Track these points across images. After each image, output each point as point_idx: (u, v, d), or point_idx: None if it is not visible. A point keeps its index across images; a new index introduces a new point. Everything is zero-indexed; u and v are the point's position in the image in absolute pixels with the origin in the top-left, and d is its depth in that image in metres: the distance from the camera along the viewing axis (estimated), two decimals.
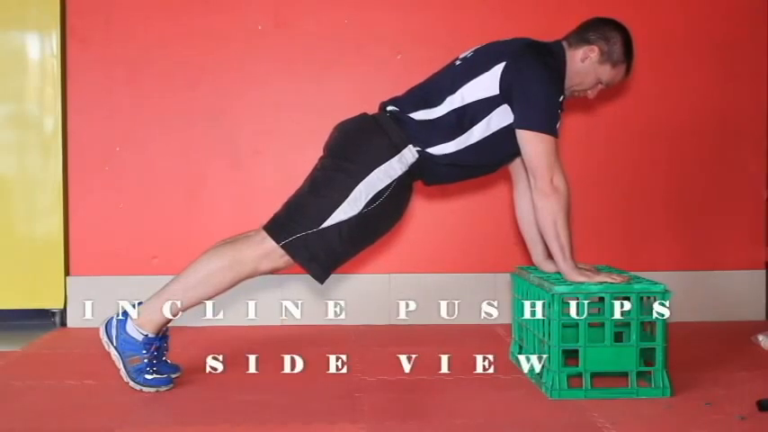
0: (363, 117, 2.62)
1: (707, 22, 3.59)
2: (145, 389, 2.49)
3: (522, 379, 2.66)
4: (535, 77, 2.49)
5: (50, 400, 2.47)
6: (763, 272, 3.63)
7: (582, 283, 2.47)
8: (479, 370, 2.76)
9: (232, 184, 3.54)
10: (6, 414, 2.34)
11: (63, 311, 3.51)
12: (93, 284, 3.48)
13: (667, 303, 2.46)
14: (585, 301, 2.44)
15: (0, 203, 3.47)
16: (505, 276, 3.33)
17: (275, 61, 3.54)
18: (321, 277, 2.54)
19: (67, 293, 3.48)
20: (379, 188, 2.48)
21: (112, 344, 2.50)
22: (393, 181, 2.50)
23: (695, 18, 3.59)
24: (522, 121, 2.49)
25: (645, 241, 3.61)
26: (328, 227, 2.47)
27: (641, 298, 2.47)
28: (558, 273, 2.58)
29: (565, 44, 2.63)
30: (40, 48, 3.47)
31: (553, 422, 2.25)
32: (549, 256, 2.64)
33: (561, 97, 2.56)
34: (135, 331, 2.49)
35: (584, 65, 2.60)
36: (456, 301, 3.52)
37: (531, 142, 2.48)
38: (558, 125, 2.52)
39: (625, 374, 2.46)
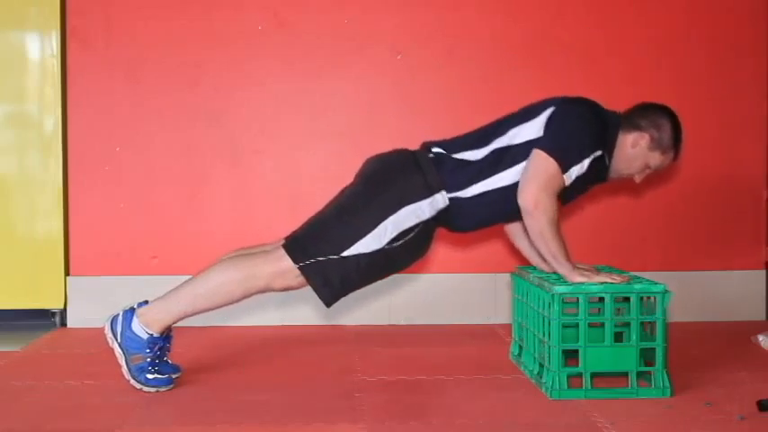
0: (403, 152, 2.62)
1: (707, 22, 3.59)
2: (145, 388, 2.49)
3: (522, 379, 2.66)
4: (577, 114, 2.52)
5: (50, 400, 2.47)
6: (763, 272, 3.63)
7: (582, 283, 2.47)
8: (479, 370, 2.76)
9: (232, 183, 3.54)
10: (6, 414, 2.34)
11: (63, 311, 3.51)
12: (93, 284, 3.48)
13: (667, 303, 2.46)
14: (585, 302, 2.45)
15: (0, 203, 3.47)
16: (505, 276, 3.33)
17: (275, 61, 3.54)
18: (330, 302, 2.53)
19: (67, 293, 3.49)
20: (405, 227, 2.48)
21: (117, 340, 2.50)
22: (420, 223, 2.49)
23: (695, 18, 3.59)
24: (542, 142, 2.48)
25: (645, 241, 3.61)
26: (348, 256, 2.45)
27: (641, 298, 2.47)
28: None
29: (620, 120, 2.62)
30: (40, 48, 3.47)
31: (553, 422, 2.25)
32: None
33: (598, 152, 2.53)
34: (140, 329, 2.48)
35: (634, 151, 2.59)
36: (456, 301, 3.52)
37: (536, 158, 2.47)
38: (575, 166, 2.48)
39: (625, 374, 2.47)
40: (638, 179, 2.67)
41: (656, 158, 2.61)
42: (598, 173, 2.58)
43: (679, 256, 3.61)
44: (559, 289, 2.45)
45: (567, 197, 2.58)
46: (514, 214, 2.57)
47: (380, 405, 2.41)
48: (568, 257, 2.51)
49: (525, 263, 3.01)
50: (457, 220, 2.57)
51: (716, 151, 3.61)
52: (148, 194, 3.52)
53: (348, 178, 3.53)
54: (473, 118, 3.55)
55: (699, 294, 3.58)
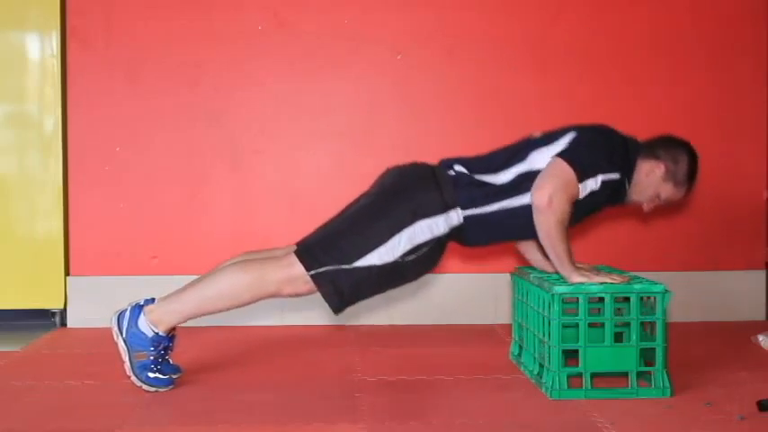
0: (423, 166, 2.62)
1: (707, 22, 3.59)
2: (144, 386, 2.49)
3: (522, 379, 2.66)
4: (597, 134, 2.56)
5: (50, 400, 2.47)
6: (763, 272, 3.63)
7: (582, 283, 2.47)
8: (479, 370, 2.76)
9: (232, 183, 3.54)
10: (6, 414, 2.34)
11: (63, 311, 3.51)
12: (93, 284, 3.48)
13: (667, 303, 2.46)
14: (585, 302, 2.45)
15: (0, 203, 3.47)
16: (505, 276, 3.33)
17: (275, 61, 3.54)
18: (338, 310, 2.52)
19: (67, 293, 3.49)
20: (419, 242, 2.48)
21: (122, 335, 2.50)
22: (433, 238, 2.50)
23: (695, 17, 3.59)
24: (562, 153, 2.50)
25: (645, 241, 3.61)
26: (360, 267, 2.45)
27: (641, 298, 2.47)
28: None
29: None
30: (40, 48, 3.47)
31: (553, 422, 2.25)
32: (547, 256, 2.64)
33: (614, 175, 2.54)
34: (147, 327, 2.48)
35: (648, 179, 2.60)
36: (456, 301, 3.52)
37: (556, 163, 2.49)
38: (590, 180, 2.49)
39: (625, 374, 2.47)
40: (646, 208, 2.68)
41: (667, 190, 2.62)
42: (613, 195, 2.59)
43: (679, 256, 3.61)
44: (559, 289, 2.45)
45: (578, 214, 2.56)
46: (529, 232, 2.56)
47: (380, 405, 2.41)
48: (572, 260, 2.51)
49: (525, 263, 3.01)
50: (472, 236, 2.58)
51: (716, 151, 3.61)
52: (148, 194, 3.52)
53: (348, 178, 3.55)
54: (473, 118, 3.58)
55: (699, 294, 3.58)
